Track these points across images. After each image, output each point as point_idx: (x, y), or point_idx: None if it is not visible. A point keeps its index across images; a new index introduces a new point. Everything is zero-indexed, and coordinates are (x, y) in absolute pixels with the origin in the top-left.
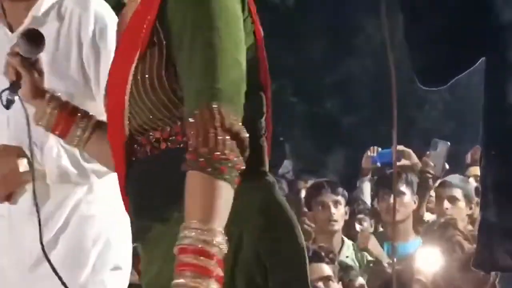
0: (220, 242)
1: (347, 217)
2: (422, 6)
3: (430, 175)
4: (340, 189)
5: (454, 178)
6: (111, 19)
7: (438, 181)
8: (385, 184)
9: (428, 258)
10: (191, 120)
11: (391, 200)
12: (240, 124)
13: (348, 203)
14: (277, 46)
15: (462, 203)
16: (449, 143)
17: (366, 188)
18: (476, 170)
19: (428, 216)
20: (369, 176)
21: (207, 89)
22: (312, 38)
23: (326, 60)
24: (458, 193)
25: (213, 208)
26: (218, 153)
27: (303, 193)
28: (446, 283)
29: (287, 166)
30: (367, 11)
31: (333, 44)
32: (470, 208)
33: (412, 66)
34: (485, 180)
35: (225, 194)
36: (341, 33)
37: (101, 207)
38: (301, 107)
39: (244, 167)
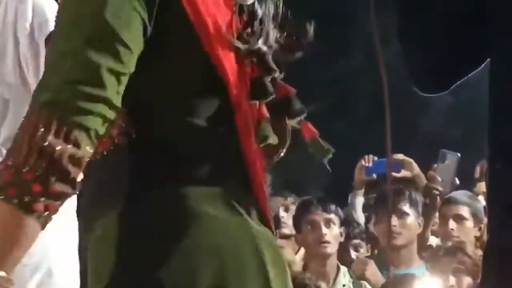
0: None
1: (342, 239)
2: (419, 2)
3: (437, 192)
4: (333, 207)
5: (461, 194)
6: (53, 12)
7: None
8: (385, 203)
9: None
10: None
11: (392, 222)
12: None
13: (343, 223)
14: None
15: (470, 223)
16: (459, 154)
17: (359, 204)
18: (483, 186)
19: (433, 240)
20: (362, 190)
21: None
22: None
23: (313, 56)
24: (465, 211)
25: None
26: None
27: (281, 213)
28: None
29: None
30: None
31: (322, 37)
32: (479, 229)
33: (408, 70)
34: (490, 198)
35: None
36: (331, 25)
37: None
38: None
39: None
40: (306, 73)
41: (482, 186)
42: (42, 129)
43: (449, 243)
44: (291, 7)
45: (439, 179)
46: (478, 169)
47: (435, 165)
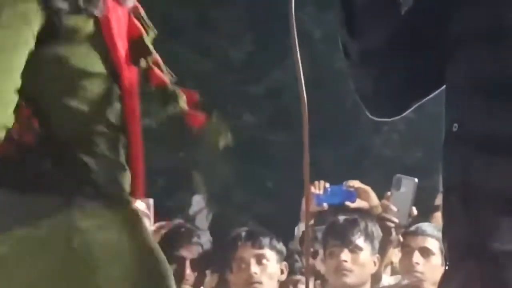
0: None
1: (284, 277)
2: (366, 12)
3: (392, 224)
4: (266, 240)
5: (429, 226)
6: None
7: (402, 231)
8: (335, 235)
9: None
10: None
11: (343, 256)
12: None
13: (286, 258)
14: (185, 46)
15: (437, 259)
16: (416, 180)
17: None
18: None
19: (387, 280)
20: (311, 222)
21: None
22: (231, 35)
23: (249, 64)
24: (433, 245)
25: None
26: None
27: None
28: None
29: (198, 202)
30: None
31: (259, 43)
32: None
33: (356, 90)
34: (444, 235)
35: None
36: (270, 29)
37: None
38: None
39: None
40: (239, 83)
41: (439, 217)
42: None
43: (405, 282)
44: (219, 7)
45: (394, 208)
46: (439, 197)
47: (389, 193)
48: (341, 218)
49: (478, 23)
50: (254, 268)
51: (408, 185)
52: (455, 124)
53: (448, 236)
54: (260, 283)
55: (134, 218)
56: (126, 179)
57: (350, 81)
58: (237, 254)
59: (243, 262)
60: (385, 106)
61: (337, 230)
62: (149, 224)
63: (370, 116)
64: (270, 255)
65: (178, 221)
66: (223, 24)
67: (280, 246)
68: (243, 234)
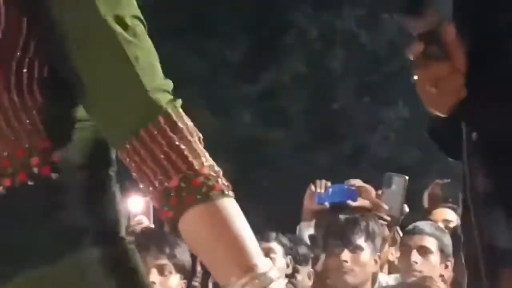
0: (272, 275)
1: (289, 271)
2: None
3: (384, 222)
4: (273, 234)
5: (427, 224)
6: None
7: (397, 228)
8: (336, 235)
9: None
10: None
11: (343, 257)
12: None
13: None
14: (183, 45)
15: (435, 258)
16: (407, 177)
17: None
18: (441, 213)
19: (384, 279)
20: (313, 222)
21: None
22: (228, 35)
23: (246, 64)
24: (431, 243)
25: (238, 242)
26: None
27: None
28: None
29: None
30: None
31: (256, 43)
32: (446, 267)
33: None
34: (463, 245)
35: (235, 213)
36: (266, 29)
37: None
38: (214, 123)
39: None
40: (235, 82)
41: (438, 213)
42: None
43: (411, 280)
44: (216, 8)
45: (385, 206)
46: (426, 196)
47: (380, 191)
48: (342, 217)
49: None
50: None
51: (398, 183)
52: (474, 133)
53: (465, 248)
54: None
55: (124, 257)
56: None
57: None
58: None
59: None
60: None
61: (338, 230)
62: (148, 222)
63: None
64: (277, 248)
65: None
66: (219, 25)
67: (286, 240)
68: None
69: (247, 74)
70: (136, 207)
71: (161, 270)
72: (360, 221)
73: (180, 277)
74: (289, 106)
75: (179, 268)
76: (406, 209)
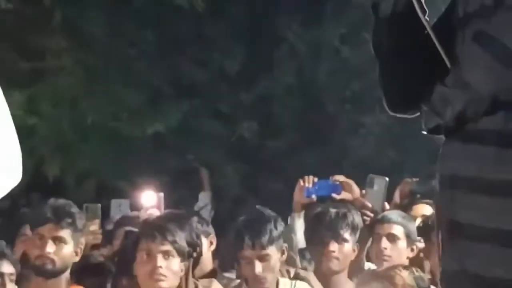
0: None
1: (284, 258)
2: (399, 17)
3: (367, 218)
4: (265, 238)
5: (394, 213)
6: None
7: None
8: (326, 226)
9: None
10: None
11: (331, 247)
12: None
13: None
14: (185, 59)
15: (403, 243)
16: (387, 179)
17: (299, 226)
18: (420, 208)
19: (369, 266)
20: (302, 213)
21: None
22: (227, 49)
23: (242, 74)
24: (399, 231)
25: None
26: None
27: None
28: None
29: (203, 199)
30: (290, 18)
31: (251, 56)
32: (412, 250)
33: (381, 86)
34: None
35: None
36: (260, 44)
37: None
38: (219, 130)
39: None
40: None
41: (419, 208)
42: None
43: (380, 268)
44: (216, 25)
45: (369, 204)
46: (397, 193)
47: (363, 191)
48: (332, 211)
49: None
50: (258, 267)
51: (380, 183)
52: None
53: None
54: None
55: None
56: None
57: (378, 80)
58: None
59: (247, 260)
60: (399, 103)
61: (328, 222)
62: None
63: (389, 112)
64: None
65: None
66: (219, 40)
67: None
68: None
69: (244, 83)
70: (148, 201)
71: (165, 255)
72: (348, 216)
73: (180, 259)
74: (280, 112)
75: (180, 253)
76: (387, 206)
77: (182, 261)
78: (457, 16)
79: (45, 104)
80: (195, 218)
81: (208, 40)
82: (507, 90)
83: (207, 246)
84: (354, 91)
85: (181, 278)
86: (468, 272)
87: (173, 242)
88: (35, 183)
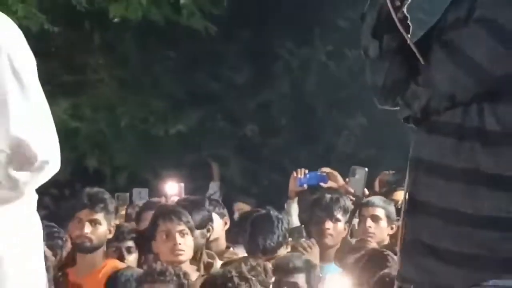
0: None
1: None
2: (386, 21)
3: (351, 201)
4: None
5: (377, 199)
6: None
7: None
8: (322, 208)
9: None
10: None
11: (327, 225)
12: None
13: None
14: (201, 73)
15: (384, 223)
16: (366, 169)
17: (294, 211)
18: (399, 194)
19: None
20: (296, 198)
21: None
22: (235, 66)
23: (248, 86)
24: (380, 212)
25: None
26: None
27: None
28: None
29: (213, 187)
30: (285, 39)
31: (254, 71)
32: (391, 228)
33: (370, 83)
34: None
35: None
36: (261, 60)
37: None
38: (228, 131)
39: None
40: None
41: (398, 194)
42: None
43: (355, 240)
44: (226, 45)
45: (351, 190)
46: (377, 182)
47: (347, 179)
48: (328, 196)
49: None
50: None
51: (360, 173)
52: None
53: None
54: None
55: None
56: None
57: (367, 76)
58: None
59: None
60: (387, 97)
61: (324, 205)
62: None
63: (378, 105)
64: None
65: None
66: (229, 58)
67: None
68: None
69: (248, 93)
70: (171, 190)
71: (181, 234)
72: (340, 200)
73: (193, 236)
74: (278, 116)
75: (193, 231)
76: (366, 192)
77: (195, 237)
78: (441, 25)
79: (86, 110)
80: (207, 203)
81: (219, 58)
82: (464, 92)
83: (222, 225)
84: (339, 99)
85: (196, 252)
86: (423, 242)
87: (187, 223)
88: (78, 175)
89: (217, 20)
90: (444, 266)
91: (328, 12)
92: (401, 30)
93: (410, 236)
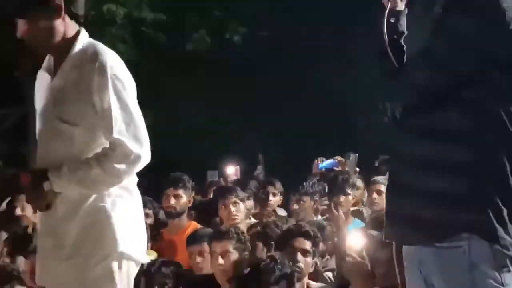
0: None
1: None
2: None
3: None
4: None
5: (381, 178)
6: None
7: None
8: (337, 186)
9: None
10: None
11: (341, 199)
12: None
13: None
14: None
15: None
16: (357, 154)
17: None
18: None
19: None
20: (317, 178)
21: None
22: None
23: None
24: (383, 187)
25: None
26: None
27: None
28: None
29: (259, 170)
30: None
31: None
32: None
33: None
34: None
35: None
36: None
37: None
38: (268, 128)
39: None
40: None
41: None
42: None
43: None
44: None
45: (347, 169)
46: (376, 164)
47: (344, 161)
48: (340, 176)
49: None
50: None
51: (353, 157)
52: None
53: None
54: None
55: None
56: None
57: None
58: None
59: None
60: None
61: (338, 183)
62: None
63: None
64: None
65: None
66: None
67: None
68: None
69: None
70: (231, 172)
71: (234, 204)
72: (349, 179)
73: (244, 206)
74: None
75: (243, 201)
76: (357, 169)
77: (245, 205)
78: None
79: None
80: (254, 182)
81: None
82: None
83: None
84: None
85: (246, 215)
86: (398, 213)
87: (237, 196)
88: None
89: None
90: (411, 229)
91: None
92: (385, 39)
93: (389, 206)
